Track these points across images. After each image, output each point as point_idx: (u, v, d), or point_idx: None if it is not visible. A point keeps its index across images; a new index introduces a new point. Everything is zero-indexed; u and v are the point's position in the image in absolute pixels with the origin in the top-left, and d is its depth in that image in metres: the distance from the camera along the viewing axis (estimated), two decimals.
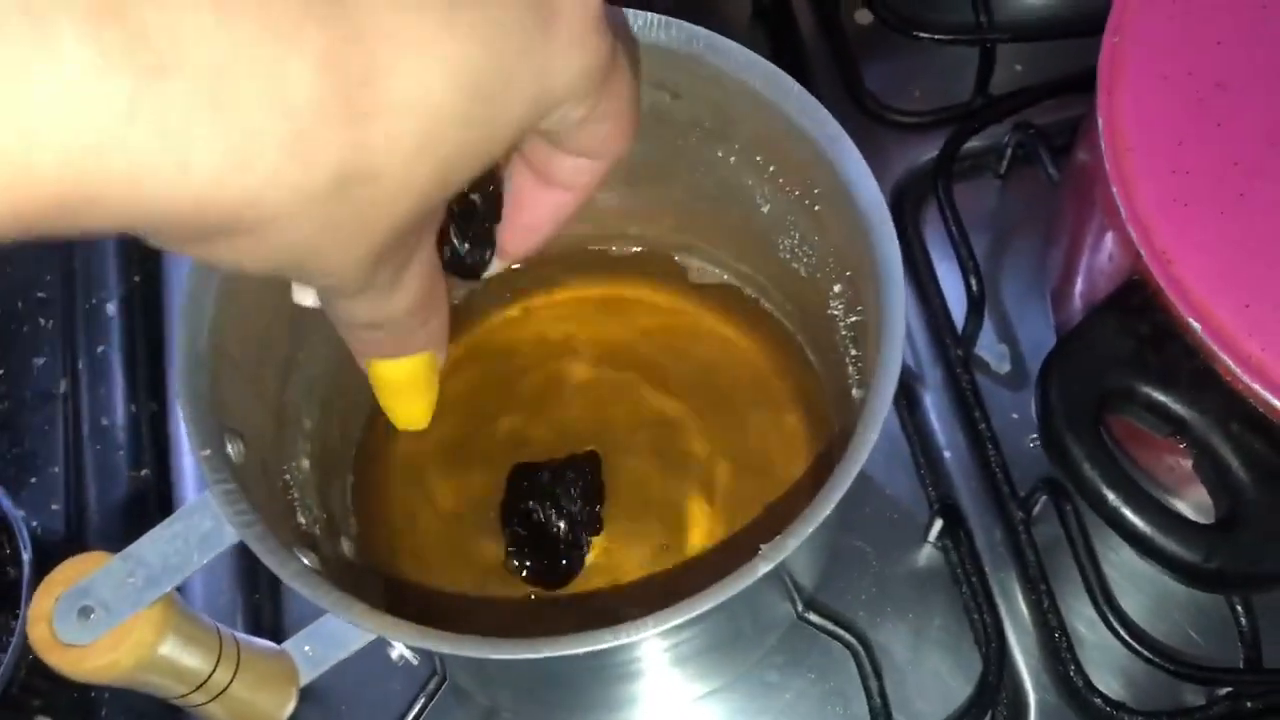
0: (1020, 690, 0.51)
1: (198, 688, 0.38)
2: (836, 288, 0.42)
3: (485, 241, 0.33)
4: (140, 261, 0.64)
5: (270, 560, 0.33)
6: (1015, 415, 0.56)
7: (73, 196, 0.19)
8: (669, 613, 0.31)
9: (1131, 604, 0.50)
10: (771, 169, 0.42)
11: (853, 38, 0.65)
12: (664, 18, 0.39)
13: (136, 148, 0.19)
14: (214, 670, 0.38)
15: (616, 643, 0.32)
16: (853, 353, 0.42)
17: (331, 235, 0.23)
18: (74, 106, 0.18)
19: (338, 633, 0.44)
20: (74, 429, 0.60)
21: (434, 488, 0.51)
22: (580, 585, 0.48)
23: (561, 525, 0.47)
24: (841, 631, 0.47)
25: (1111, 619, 0.48)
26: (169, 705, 0.52)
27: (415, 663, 0.46)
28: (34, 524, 0.56)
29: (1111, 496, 0.39)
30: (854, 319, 0.40)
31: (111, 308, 0.62)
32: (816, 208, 0.40)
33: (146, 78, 0.19)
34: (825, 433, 0.49)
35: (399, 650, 0.45)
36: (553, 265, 0.53)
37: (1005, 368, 0.57)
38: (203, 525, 0.34)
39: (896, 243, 0.35)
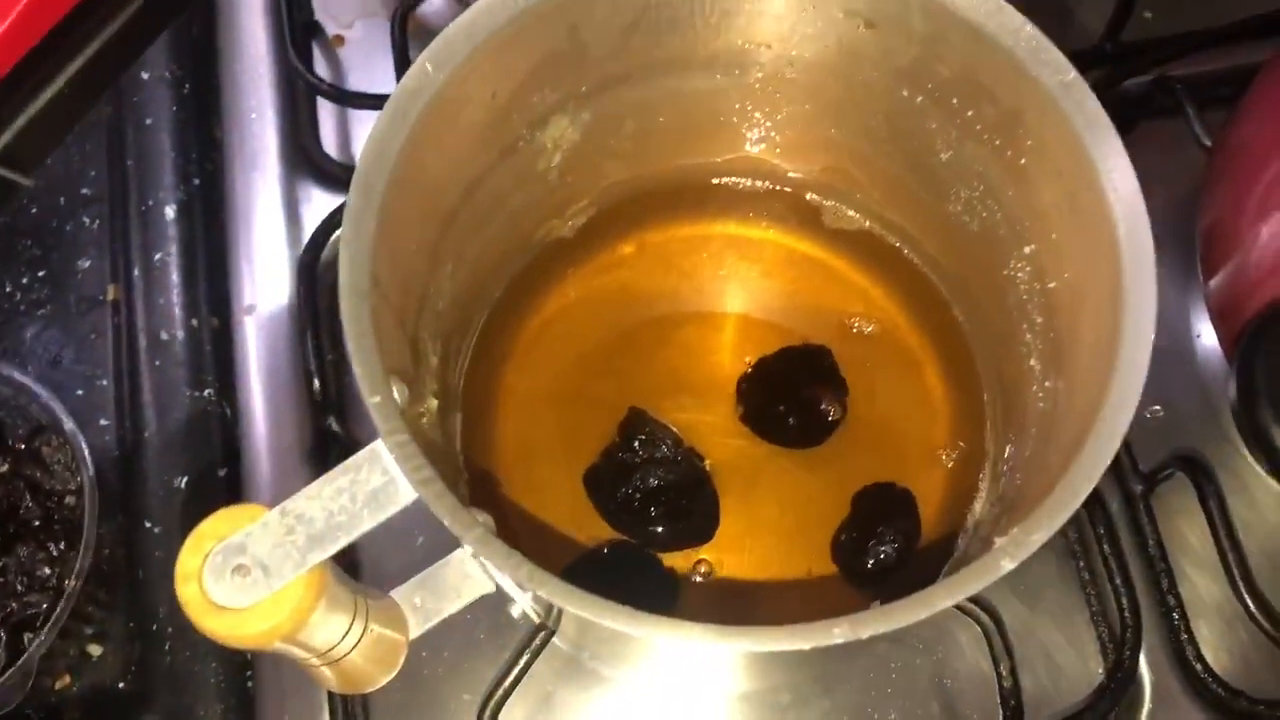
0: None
1: (325, 652, 0.35)
2: (1028, 249, 0.38)
3: None
4: (200, 162, 0.59)
5: (453, 523, 0.29)
6: None
7: None
8: (900, 608, 0.29)
9: None
10: (969, 114, 0.38)
11: None
12: None
13: None
14: (346, 634, 0.34)
15: (827, 642, 0.29)
16: (1036, 320, 0.39)
17: None
18: None
19: (450, 584, 0.41)
20: (128, 341, 0.56)
21: (541, 425, 0.47)
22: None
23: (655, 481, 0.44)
24: (974, 607, 0.45)
25: (1250, 603, 0.46)
26: None
27: (536, 620, 0.43)
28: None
29: None
30: (1051, 284, 0.37)
31: (170, 211, 0.57)
32: (1022, 161, 0.37)
33: None
34: (966, 393, 0.46)
35: (521, 608, 0.42)
36: (671, 199, 0.49)
37: None
38: (372, 480, 0.30)
39: (1145, 213, 0.32)
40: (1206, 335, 0.53)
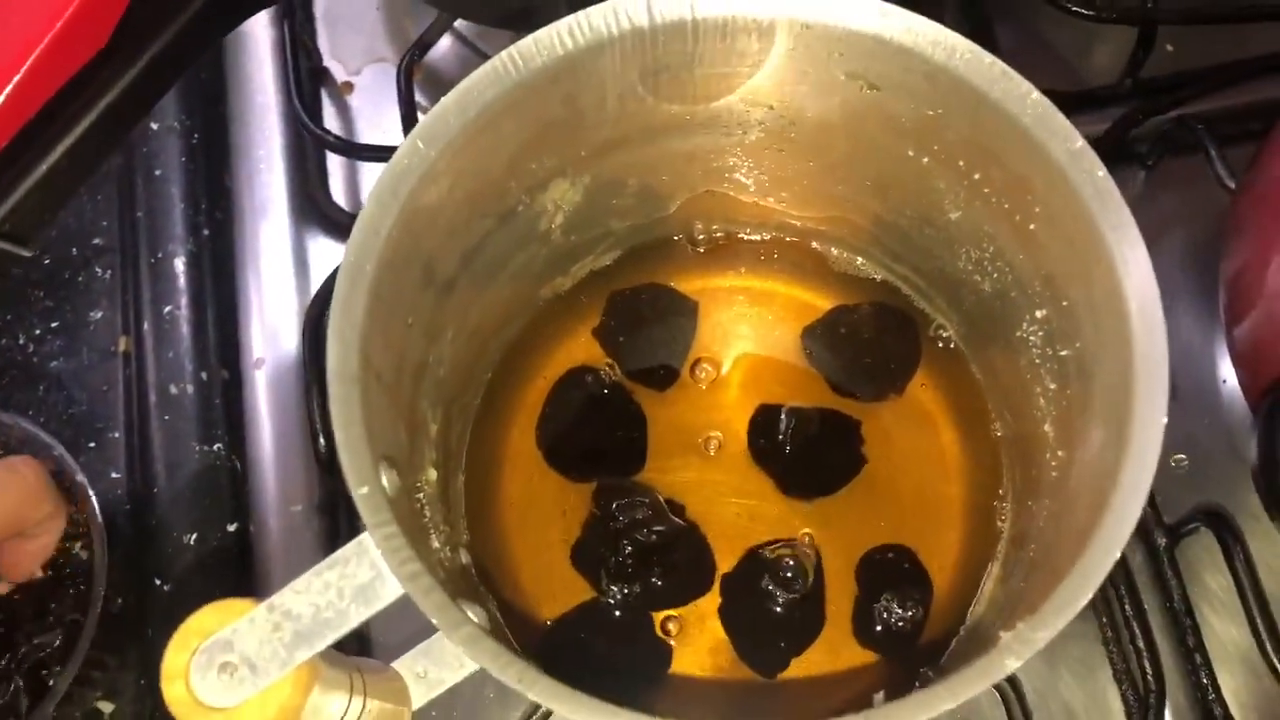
0: None
1: None
2: (1040, 313, 0.37)
3: None
4: (210, 212, 0.59)
5: (441, 620, 0.29)
6: None
7: None
8: (897, 710, 0.28)
9: None
10: (976, 177, 0.37)
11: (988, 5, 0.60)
12: (881, 3, 0.34)
13: None
14: (344, 716, 0.34)
15: None
16: (1050, 385, 0.38)
17: None
18: None
19: (453, 651, 0.40)
20: (138, 394, 0.55)
21: (545, 483, 0.47)
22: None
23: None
24: None
25: (1277, 661, 0.45)
26: None
27: None
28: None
29: None
30: (1063, 351, 0.36)
31: (180, 263, 0.57)
32: (1032, 226, 0.36)
33: None
34: (983, 453, 0.45)
35: None
36: (674, 250, 0.48)
37: None
38: (359, 575, 0.29)
39: (1155, 289, 0.31)
40: (1232, 380, 0.52)
